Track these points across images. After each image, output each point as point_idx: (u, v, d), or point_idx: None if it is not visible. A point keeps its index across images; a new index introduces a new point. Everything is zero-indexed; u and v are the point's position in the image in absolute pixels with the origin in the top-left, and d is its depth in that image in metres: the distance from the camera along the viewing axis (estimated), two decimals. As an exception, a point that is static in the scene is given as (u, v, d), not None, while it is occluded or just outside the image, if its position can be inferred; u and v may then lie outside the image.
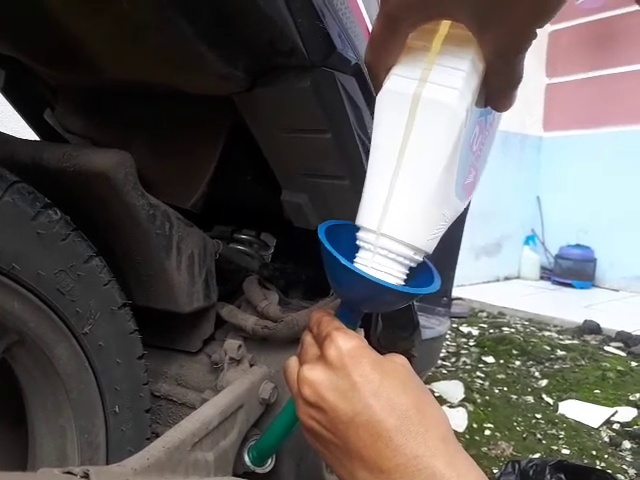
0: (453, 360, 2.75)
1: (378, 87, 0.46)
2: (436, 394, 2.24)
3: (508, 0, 0.36)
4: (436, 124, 0.42)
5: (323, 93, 0.66)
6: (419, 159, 0.43)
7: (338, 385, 0.46)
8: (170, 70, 0.67)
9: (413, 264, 0.49)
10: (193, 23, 0.56)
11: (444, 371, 2.56)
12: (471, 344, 3.04)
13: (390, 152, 0.44)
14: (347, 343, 0.48)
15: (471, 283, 4.84)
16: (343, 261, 0.48)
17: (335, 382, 0.47)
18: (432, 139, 0.42)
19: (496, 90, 0.44)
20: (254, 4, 0.54)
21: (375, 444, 0.44)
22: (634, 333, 3.16)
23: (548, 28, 5.27)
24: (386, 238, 0.46)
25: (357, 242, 0.49)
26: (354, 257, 0.50)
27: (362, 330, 0.57)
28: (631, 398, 2.26)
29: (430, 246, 0.48)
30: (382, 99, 0.45)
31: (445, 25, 0.42)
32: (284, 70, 0.65)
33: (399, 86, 0.43)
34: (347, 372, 0.46)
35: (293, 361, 0.54)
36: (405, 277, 0.50)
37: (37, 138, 1.09)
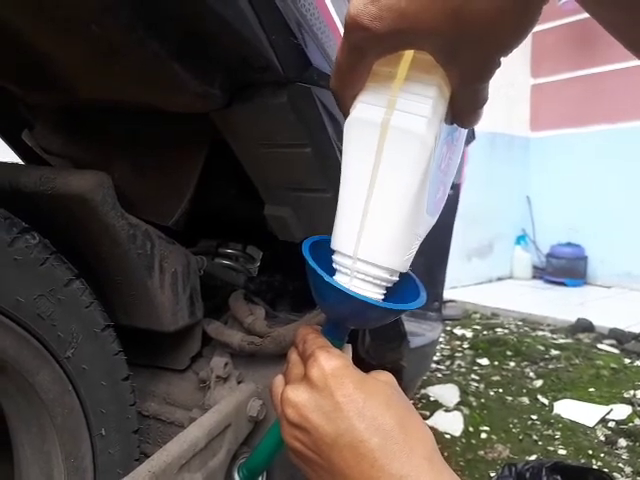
0: (448, 363, 2.75)
1: (345, 113, 0.46)
2: (432, 398, 2.23)
3: (473, 33, 0.36)
4: (405, 153, 0.42)
5: (300, 108, 0.66)
6: (390, 187, 0.43)
7: (321, 406, 0.46)
8: (144, 89, 0.67)
9: (390, 284, 0.49)
10: (164, 43, 0.55)
11: (439, 375, 2.56)
12: (465, 346, 3.04)
13: (361, 180, 0.44)
14: (330, 363, 0.47)
15: (464, 285, 4.85)
16: (327, 278, 0.47)
17: (318, 403, 0.46)
18: (402, 167, 0.42)
19: (462, 111, 0.44)
20: (226, 23, 0.53)
21: (359, 465, 0.44)
22: (627, 330, 3.18)
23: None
24: (362, 263, 0.46)
25: (334, 265, 0.49)
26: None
27: (350, 346, 0.56)
28: (625, 395, 2.27)
29: (406, 265, 0.49)
30: (350, 127, 0.44)
31: (410, 50, 0.42)
32: (260, 86, 0.65)
33: (366, 114, 0.43)
34: (330, 392, 0.46)
35: (278, 380, 0.54)
36: (383, 297, 0.49)
37: (18, 158, 1.08)
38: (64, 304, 0.64)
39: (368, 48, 0.40)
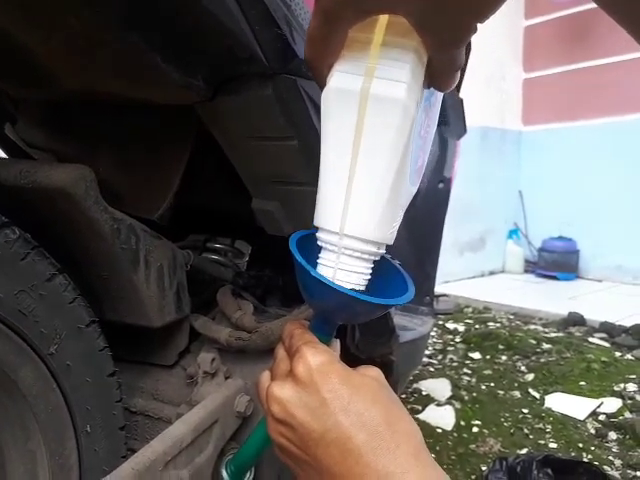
0: (440, 357, 2.76)
1: (322, 84, 0.44)
2: (423, 392, 2.24)
3: None
4: (387, 120, 0.41)
5: (286, 100, 0.65)
6: (373, 156, 0.42)
7: (307, 402, 0.46)
8: (127, 82, 0.66)
9: (377, 258, 0.48)
10: (146, 36, 0.54)
11: (431, 369, 2.57)
12: (457, 340, 3.05)
13: (343, 151, 0.43)
14: (316, 358, 0.47)
15: (456, 279, 4.86)
16: (314, 273, 0.47)
17: (304, 399, 0.46)
18: (384, 135, 0.41)
19: (438, 74, 0.42)
20: (207, 14, 0.52)
21: (345, 461, 0.43)
22: (617, 323, 3.20)
23: (524, 23, 5.31)
24: (350, 238, 0.45)
25: (318, 243, 0.48)
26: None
27: (337, 341, 0.56)
28: (616, 389, 2.28)
29: (392, 238, 0.47)
30: (328, 97, 0.43)
31: (385, 15, 0.41)
32: (245, 78, 0.64)
33: (345, 83, 0.42)
34: (316, 388, 0.45)
35: (265, 376, 0.54)
36: (370, 272, 0.49)
37: (2, 152, 1.06)
38: (46, 300, 0.63)
39: (341, 13, 0.39)
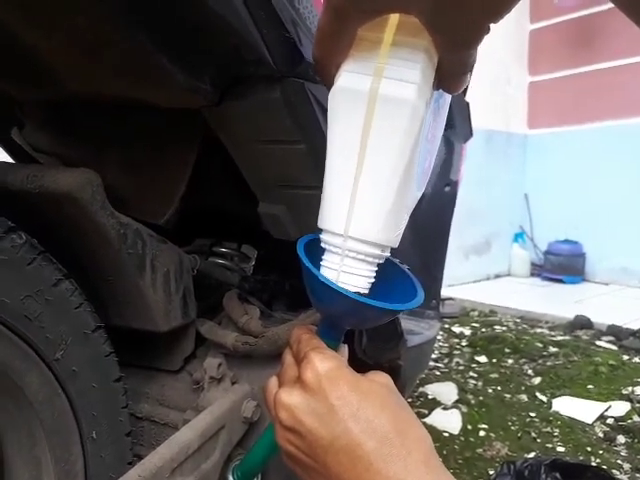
0: (446, 361, 2.74)
1: (329, 84, 0.43)
2: (430, 396, 2.23)
3: None
4: (396, 121, 0.40)
5: (294, 103, 0.64)
6: (381, 158, 0.42)
7: (315, 408, 0.45)
8: (133, 84, 0.65)
9: (381, 260, 0.48)
10: (152, 36, 0.54)
11: (437, 372, 2.55)
12: (463, 344, 3.03)
13: (349, 152, 0.42)
14: (324, 364, 0.46)
15: (462, 282, 4.84)
16: (322, 278, 0.46)
17: (312, 405, 0.45)
18: (393, 136, 0.41)
19: (449, 75, 0.42)
20: (215, 15, 0.52)
21: (355, 468, 0.43)
22: (625, 326, 3.18)
23: (529, 27, 5.30)
24: (354, 241, 0.44)
25: (322, 245, 0.48)
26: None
27: (345, 346, 0.55)
28: (624, 392, 2.26)
29: (397, 241, 0.47)
30: (335, 97, 0.42)
31: (396, 14, 0.40)
32: (253, 82, 0.63)
33: (353, 83, 0.41)
34: (324, 395, 0.45)
35: (272, 382, 0.53)
36: (374, 275, 0.48)
37: (8, 157, 1.06)
38: (52, 305, 0.63)
39: (352, 10, 0.38)
